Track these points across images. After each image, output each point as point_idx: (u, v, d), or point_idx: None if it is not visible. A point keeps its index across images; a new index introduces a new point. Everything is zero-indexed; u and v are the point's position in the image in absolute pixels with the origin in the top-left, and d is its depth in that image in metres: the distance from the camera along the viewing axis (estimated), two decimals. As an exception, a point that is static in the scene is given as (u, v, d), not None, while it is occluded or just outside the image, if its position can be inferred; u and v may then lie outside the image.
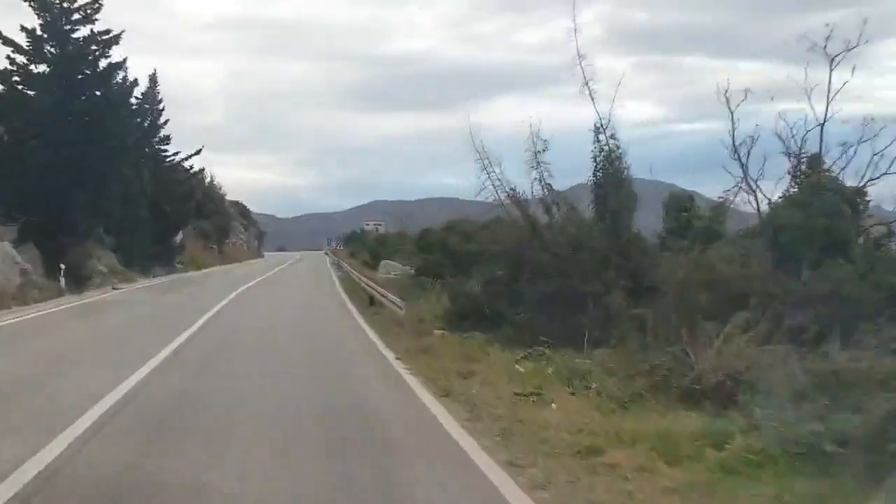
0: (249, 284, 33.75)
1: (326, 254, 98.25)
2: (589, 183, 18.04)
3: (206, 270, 49.42)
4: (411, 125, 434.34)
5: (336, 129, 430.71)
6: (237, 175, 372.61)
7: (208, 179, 66.08)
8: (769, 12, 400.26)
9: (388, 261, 37.32)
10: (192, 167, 51.26)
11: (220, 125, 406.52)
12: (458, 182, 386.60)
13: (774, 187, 19.44)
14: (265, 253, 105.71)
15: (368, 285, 25.93)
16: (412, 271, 29.07)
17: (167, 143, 46.83)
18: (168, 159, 47.51)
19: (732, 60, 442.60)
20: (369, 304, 23.61)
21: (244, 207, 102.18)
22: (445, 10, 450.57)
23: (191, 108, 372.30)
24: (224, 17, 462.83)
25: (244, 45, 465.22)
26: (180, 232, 47.56)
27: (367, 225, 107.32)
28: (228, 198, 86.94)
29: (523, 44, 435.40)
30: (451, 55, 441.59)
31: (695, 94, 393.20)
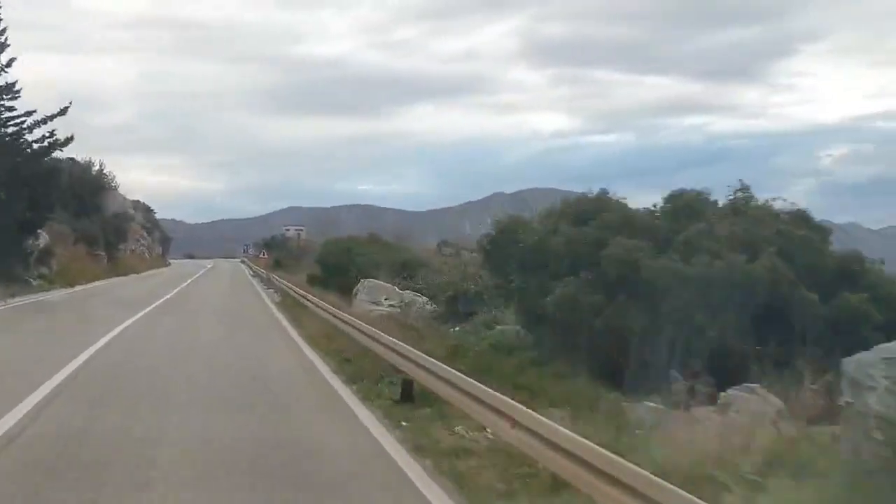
0: (126, 324, 18.70)
1: (243, 262, 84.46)
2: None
3: (82, 288, 34.36)
4: (328, 130, 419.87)
5: (251, 132, 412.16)
6: (147, 178, 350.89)
7: (97, 167, 51.77)
8: (677, 30, 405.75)
9: (373, 280, 22.49)
10: (53, 134, 31.25)
11: (129, 126, 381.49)
12: (376, 189, 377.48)
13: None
14: (171, 260, 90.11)
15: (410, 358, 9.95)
16: (429, 303, 16.39)
17: (11, 96, 29.95)
18: (13, 122, 30.55)
19: (641, 75, 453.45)
20: (402, 398, 9.83)
21: (147, 208, 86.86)
22: (362, 15, 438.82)
23: (98, 107, 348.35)
24: (135, 16, 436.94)
25: (156, 45, 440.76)
26: (40, 232, 32.85)
27: (288, 230, 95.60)
28: (130, 196, 72.54)
29: (441, 52, 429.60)
30: (368, 61, 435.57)
31: (606, 107, 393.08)
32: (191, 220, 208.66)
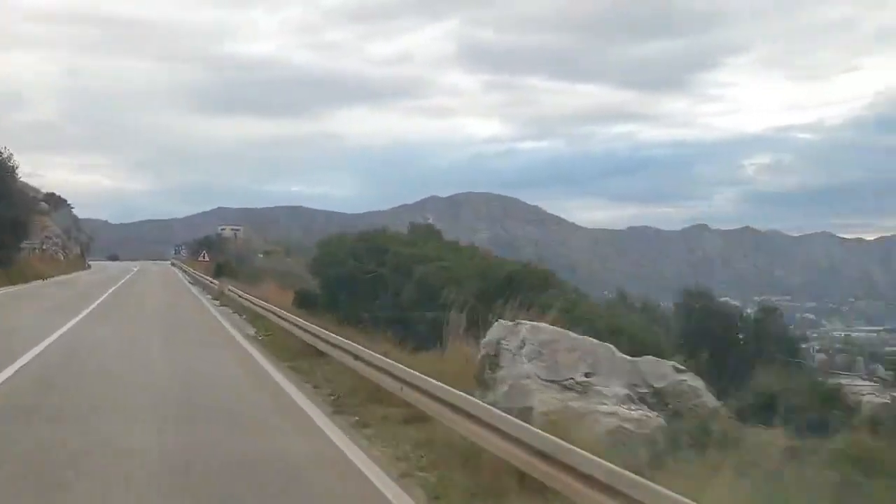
0: None
1: (174, 265, 73.16)
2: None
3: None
4: (258, 131, 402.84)
5: (177, 132, 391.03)
6: (69, 177, 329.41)
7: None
8: (607, 40, 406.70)
9: (529, 324, 8.48)
10: None
11: (51, 124, 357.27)
12: (307, 190, 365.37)
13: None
14: (91, 262, 77.12)
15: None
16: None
17: None
18: None
19: (573, 83, 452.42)
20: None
21: (61, 202, 74.26)
22: (294, 16, 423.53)
23: (16, 104, 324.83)
24: (58, 9, 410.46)
25: (80, 41, 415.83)
26: None
27: (223, 230, 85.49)
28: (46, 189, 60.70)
29: (375, 55, 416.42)
30: (300, 61, 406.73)
31: (538, 114, 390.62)
32: (114, 221, 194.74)
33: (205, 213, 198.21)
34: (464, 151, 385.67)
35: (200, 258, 57.79)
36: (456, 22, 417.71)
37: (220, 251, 67.09)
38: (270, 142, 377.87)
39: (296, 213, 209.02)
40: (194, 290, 39.95)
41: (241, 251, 57.44)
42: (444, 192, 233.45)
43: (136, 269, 64.45)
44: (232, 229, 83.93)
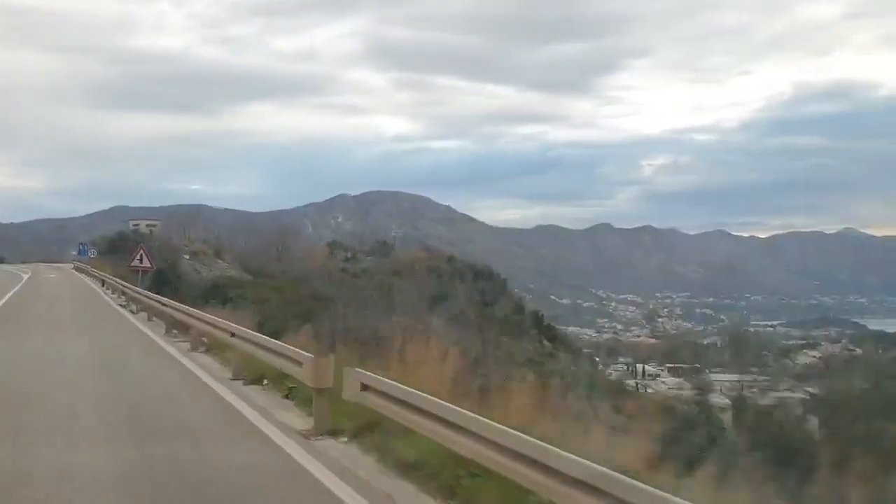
0: None
1: (80, 269, 56.27)
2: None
3: None
4: (159, 127, 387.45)
5: (74, 127, 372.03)
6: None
7: None
8: (516, 41, 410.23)
9: None
10: None
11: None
12: (210, 189, 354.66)
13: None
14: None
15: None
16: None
17: None
18: None
19: (482, 83, 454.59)
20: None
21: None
22: (198, 9, 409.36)
23: None
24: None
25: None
26: None
27: (138, 225, 77.09)
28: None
29: (282, 50, 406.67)
30: (203, 56, 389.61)
31: (448, 113, 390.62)
32: (5, 221, 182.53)
33: (103, 213, 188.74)
34: (373, 150, 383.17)
35: (135, 262, 32.66)
36: (364, 20, 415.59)
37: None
38: (173, 139, 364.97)
39: (197, 211, 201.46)
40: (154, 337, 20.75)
41: (165, 252, 47.52)
42: (354, 191, 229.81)
43: (26, 278, 46.62)
44: (148, 225, 75.18)
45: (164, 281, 34.09)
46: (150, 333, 21.23)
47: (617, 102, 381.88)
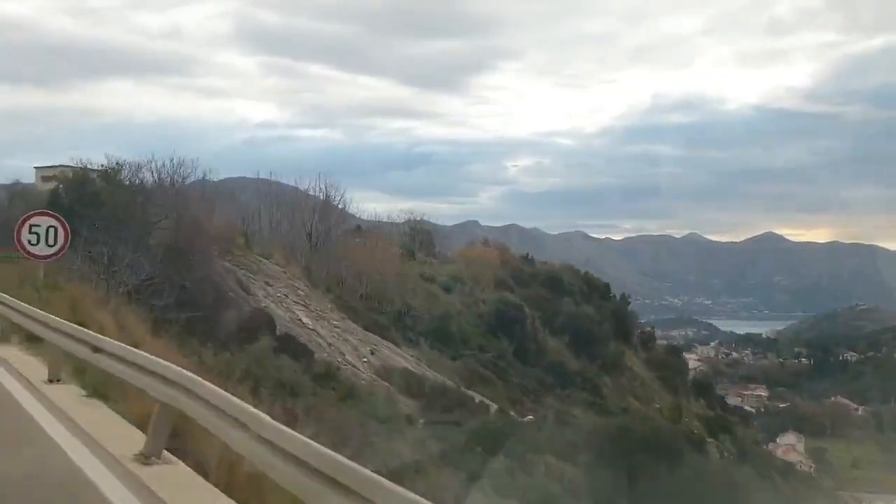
0: None
1: None
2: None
3: None
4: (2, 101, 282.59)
5: None
6: None
7: None
8: (389, 35, 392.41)
9: None
10: None
11: None
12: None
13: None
14: None
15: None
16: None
17: None
18: None
19: (355, 74, 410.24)
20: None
21: None
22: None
23: None
24: None
25: None
26: None
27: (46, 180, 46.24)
28: None
29: (143, 27, 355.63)
30: (56, 27, 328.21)
31: (319, 102, 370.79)
32: None
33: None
34: (237, 135, 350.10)
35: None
36: (234, 1, 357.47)
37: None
38: (16, 115, 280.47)
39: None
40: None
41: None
42: (217, 176, 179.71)
43: None
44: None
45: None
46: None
47: (486, 102, 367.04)
